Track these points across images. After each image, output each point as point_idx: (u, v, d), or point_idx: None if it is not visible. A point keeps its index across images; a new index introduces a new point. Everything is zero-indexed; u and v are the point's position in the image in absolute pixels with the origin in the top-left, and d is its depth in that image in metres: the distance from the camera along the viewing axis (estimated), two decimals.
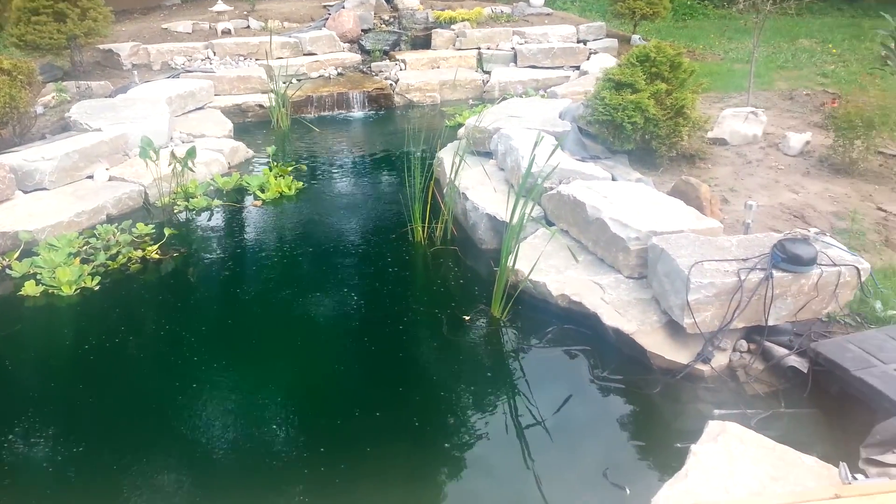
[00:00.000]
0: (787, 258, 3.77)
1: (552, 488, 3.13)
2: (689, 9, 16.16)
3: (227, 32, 11.07)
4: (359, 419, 3.56)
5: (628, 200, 4.82)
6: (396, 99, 10.01)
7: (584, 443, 3.43)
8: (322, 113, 9.64)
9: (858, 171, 5.68)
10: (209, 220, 6.13)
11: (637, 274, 4.42)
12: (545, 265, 4.68)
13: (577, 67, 10.66)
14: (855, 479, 2.55)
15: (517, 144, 5.90)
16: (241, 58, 10.44)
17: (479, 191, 5.83)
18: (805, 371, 3.60)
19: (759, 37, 7.06)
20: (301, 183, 6.87)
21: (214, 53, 10.43)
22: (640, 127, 5.68)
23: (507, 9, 12.53)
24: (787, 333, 3.86)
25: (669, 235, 4.23)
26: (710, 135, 6.41)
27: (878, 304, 3.93)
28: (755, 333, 3.94)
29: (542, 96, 9.25)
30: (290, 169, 7.26)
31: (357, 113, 9.75)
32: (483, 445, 3.43)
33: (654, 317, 4.07)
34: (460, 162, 5.57)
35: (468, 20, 11.68)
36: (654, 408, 3.62)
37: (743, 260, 3.91)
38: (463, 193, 5.81)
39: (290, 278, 5.05)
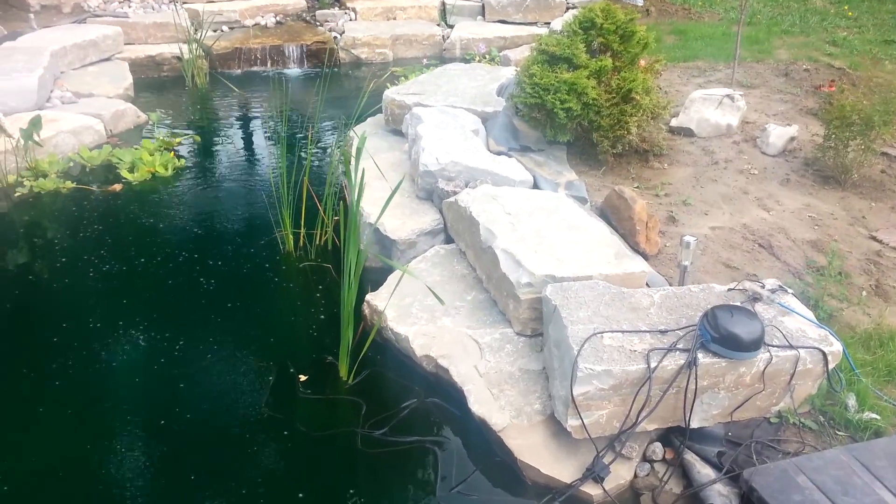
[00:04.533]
0: (720, 338, 2.62)
1: None
2: None
3: None
4: None
5: (538, 220, 3.63)
6: (341, 55, 8.69)
7: None
8: (251, 69, 8.33)
9: (852, 182, 4.43)
10: (47, 207, 4.97)
11: (530, 330, 3.27)
12: (418, 307, 3.53)
13: (549, 24, 9.26)
14: None
15: (424, 130, 4.69)
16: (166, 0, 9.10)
17: (373, 189, 4.61)
18: None
19: None
20: (183, 161, 5.70)
21: None
22: (576, 114, 4.43)
23: None
24: (717, 441, 2.74)
25: (572, 283, 3.07)
26: (674, 121, 5.14)
27: (851, 402, 2.79)
28: (676, 434, 2.83)
29: (497, 61, 7.93)
30: (177, 141, 6.08)
31: (292, 70, 8.44)
32: None
33: (536, 404, 2.94)
34: (358, 151, 4.35)
35: None
36: None
37: (661, 332, 2.76)
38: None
39: (82, 304, 3.86)
